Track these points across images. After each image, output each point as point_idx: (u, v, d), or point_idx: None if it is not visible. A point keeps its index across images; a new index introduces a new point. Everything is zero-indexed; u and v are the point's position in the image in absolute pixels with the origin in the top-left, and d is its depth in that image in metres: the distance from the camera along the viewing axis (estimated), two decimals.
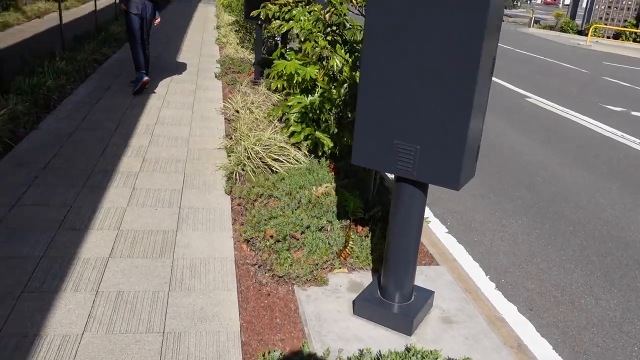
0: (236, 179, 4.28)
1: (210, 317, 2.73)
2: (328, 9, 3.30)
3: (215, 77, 8.16)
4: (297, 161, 4.43)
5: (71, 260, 3.09)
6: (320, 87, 4.72)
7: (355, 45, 3.27)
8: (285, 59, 7.31)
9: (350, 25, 3.25)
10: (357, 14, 3.41)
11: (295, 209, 3.56)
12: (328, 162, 4.35)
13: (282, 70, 4.52)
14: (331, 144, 4.55)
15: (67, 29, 8.49)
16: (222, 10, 16.69)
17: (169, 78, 7.81)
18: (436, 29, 2.15)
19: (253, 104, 6.13)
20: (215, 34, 12.71)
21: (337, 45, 3.50)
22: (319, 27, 3.58)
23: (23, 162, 4.40)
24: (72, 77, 6.86)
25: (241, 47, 10.13)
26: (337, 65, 4.33)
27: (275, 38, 9.69)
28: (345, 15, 3.27)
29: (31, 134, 5.04)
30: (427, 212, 4.63)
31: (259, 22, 7.07)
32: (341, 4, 3.25)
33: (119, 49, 9.72)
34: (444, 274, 3.23)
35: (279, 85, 6.56)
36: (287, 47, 6.79)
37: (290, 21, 6.26)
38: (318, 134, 4.57)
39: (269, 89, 6.72)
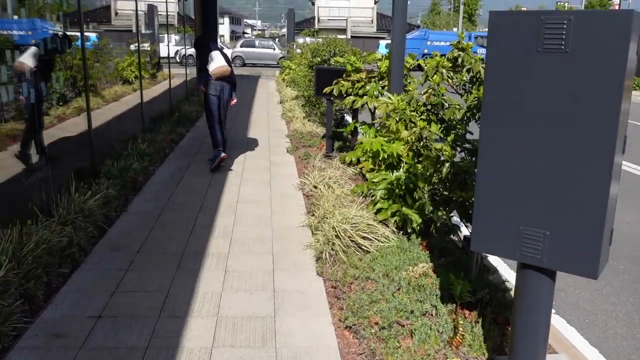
0: (326, 259, 4.22)
1: None
2: (426, 90, 3.31)
3: (287, 152, 8.30)
4: (386, 239, 4.34)
5: (176, 351, 3.06)
6: (406, 163, 4.69)
7: (452, 123, 3.24)
8: (356, 132, 7.41)
9: (449, 104, 3.24)
10: (452, 92, 3.41)
11: (396, 292, 3.45)
12: (419, 239, 4.24)
13: (368, 147, 4.53)
14: (419, 220, 4.45)
15: (138, 109, 8.92)
16: (283, 85, 17.30)
17: (242, 155, 8.00)
18: (566, 106, 2.07)
19: (330, 179, 6.15)
20: (280, 108, 13.10)
21: (432, 124, 3.48)
22: (413, 107, 3.59)
23: (118, 246, 4.51)
24: (154, 158, 7.14)
25: (308, 120, 10.34)
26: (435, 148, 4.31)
27: (342, 112, 9.89)
28: (443, 95, 3.27)
29: (122, 217, 5.19)
30: None
31: (332, 97, 7.23)
32: (438, 84, 3.25)
33: (192, 128, 10.14)
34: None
35: (353, 159, 6.63)
36: (361, 122, 6.88)
37: (364, 96, 6.38)
38: (406, 210, 4.49)
39: (343, 163, 6.77)
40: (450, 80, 3.30)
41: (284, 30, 70.63)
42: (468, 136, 3.27)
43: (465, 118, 3.16)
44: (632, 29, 1.90)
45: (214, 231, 4.93)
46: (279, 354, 3.07)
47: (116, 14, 9.71)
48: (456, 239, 4.52)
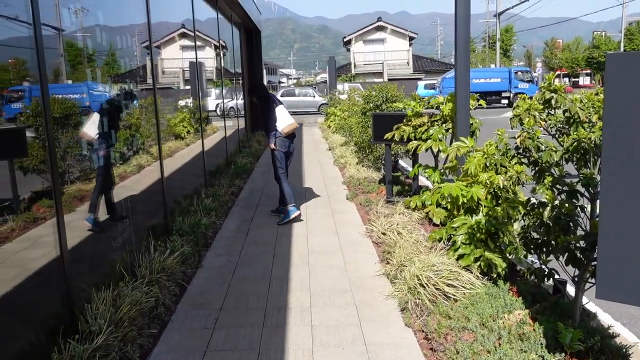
0: (413, 309, 4.12)
1: None
2: (520, 133, 3.27)
3: (347, 199, 8.30)
4: (472, 285, 4.22)
5: None
6: (485, 206, 4.61)
7: (546, 166, 3.17)
8: (416, 176, 7.36)
9: (545, 146, 3.18)
10: (544, 134, 3.36)
11: (496, 343, 3.32)
12: (507, 285, 4.10)
13: (447, 193, 4.48)
14: (504, 265, 4.33)
15: (198, 164, 9.11)
16: (328, 132, 17.50)
17: (303, 204, 8.04)
18: None
19: (398, 225, 6.08)
20: (330, 155, 13.20)
21: (524, 166, 3.42)
22: (502, 150, 3.55)
23: (200, 303, 4.53)
24: (219, 213, 7.25)
25: (361, 166, 10.36)
26: (503, 184, 4.23)
27: (397, 156, 9.89)
28: (538, 138, 3.22)
29: (198, 273, 5.24)
30: (624, 330, 4.19)
31: (392, 142, 7.24)
32: (532, 127, 3.21)
33: (248, 179, 10.30)
34: None
35: (418, 204, 6.56)
36: (424, 165, 6.84)
37: (428, 140, 6.36)
38: (489, 254, 4.38)
39: (407, 208, 6.70)
40: (543, 123, 3.25)
41: (319, 77, 72.11)
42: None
43: (562, 160, 3.09)
44: None
45: (291, 284, 4.90)
46: None
47: (163, 72, 10.12)
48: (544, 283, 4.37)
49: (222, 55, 14.33)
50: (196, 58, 9.60)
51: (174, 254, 5.02)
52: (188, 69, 10.47)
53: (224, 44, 14.23)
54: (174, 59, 10.14)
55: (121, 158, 8.33)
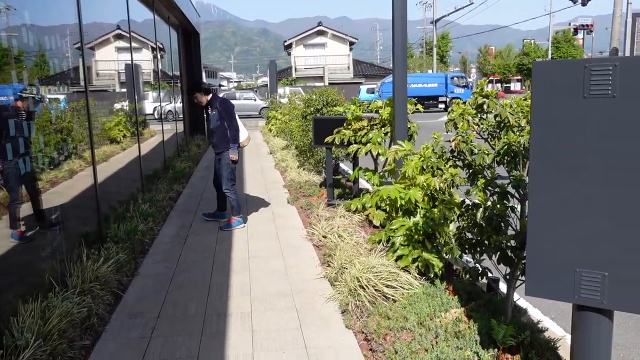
0: (353, 311, 4.15)
1: None
2: (455, 137, 3.36)
3: (288, 202, 8.29)
4: (411, 286, 4.30)
5: None
6: (422, 208, 4.71)
7: (479, 168, 3.27)
8: (357, 179, 7.44)
9: (478, 150, 3.28)
10: (477, 138, 3.46)
11: (434, 341, 3.39)
12: (444, 284, 4.20)
13: (386, 195, 4.54)
14: (441, 265, 4.44)
15: (134, 169, 8.85)
16: (269, 136, 17.44)
17: (244, 208, 7.96)
18: (617, 147, 2.10)
19: (339, 228, 6.12)
20: (271, 159, 13.15)
21: (458, 169, 3.52)
22: (438, 154, 3.63)
23: (136, 312, 4.39)
24: (157, 218, 7.07)
25: (302, 169, 10.38)
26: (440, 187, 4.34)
27: (337, 160, 9.96)
28: (472, 141, 3.32)
29: (134, 281, 5.08)
30: (553, 325, 4.38)
31: (332, 146, 7.29)
32: (466, 131, 3.31)
33: (187, 184, 10.10)
34: None
35: (359, 206, 6.63)
36: (364, 169, 6.92)
37: (368, 144, 6.44)
38: (426, 255, 4.48)
39: (348, 211, 6.76)
40: (476, 127, 3.36)
41: (260, 80, 71.73)
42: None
43: (495, 163, 3.20)
44: None
45: (232, 290, 4.83)
46: None
47: (97, 74, 9.79)
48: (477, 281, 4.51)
49: (159, 57, 14.01)
50: (132, 60, 9.35)
51: (108, 261, 4.85)
52: (124, 71, 10.16)
53: (161, 46, 13.91)
54: (109, 60, 9.81)
55: (51, 163, 7.97)
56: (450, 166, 3.47)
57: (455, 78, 39.36)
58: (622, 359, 3.88)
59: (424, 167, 3.92)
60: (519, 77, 71.75)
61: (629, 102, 2.03)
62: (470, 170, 3.36)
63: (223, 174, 6.83)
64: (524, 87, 69.03)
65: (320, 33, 49.10)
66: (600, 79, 2.06)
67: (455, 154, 3.48)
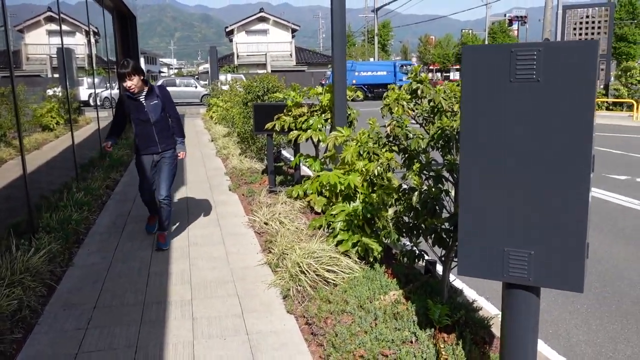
0: (294, 296, 4.18)
1: None
2: (389, 122, 3.41)
3: (230, 190, 8.21)
4: (351, 270, 4.37)
5: None
6: (361, 194, 4.78)
7: (414, 153, 3.35)
8: (298, 166, 7.46)
9: (413, 134, 3.35)
10: (412, 123, 3.53)
11: (373, 323, 3.46)
12: (383, 267, 4.30)
13: (325, 181, 4.58)
14: (380, 249, 4.53)
15: (68, 157, 8.52)
16: (211, 123, 17.17)
17: (184, 196, 7.83)
18: (541, 131, 2.20)
19: (280, 214, 6.13)
20: (213, 146, 12.97)
21: (394, 154, 3.59)
22: (374, 139, 3.68)
23: (71, 303, 4.25)
24: (92, 207, 6.85)
25: (244, 157, 10.30)
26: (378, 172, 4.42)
27: (279, 147, 9.94)
28: (407, 126, 3.38)
29: (69, 272, 4.91)
30: (487, 304, 4.56)
31: (272, 133, 7.27)
32: (401, 116, 3.37)
33: (125, 172, 9.82)
34: None
35: (300, 193, 6.66)
36: (305, 155, 6.94)
37: (309, 130, 6.46)
38: (366, 239, 4.56)
39: (289, 197, 6.78)
40: (410, 112, 3.43)
41: (202, 67, 70.28)
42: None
43: (429, 147, 3.28)
44: (596, 57, 2.07)
45: (171, 278, 4.76)
46: None
47: (27, 58, 9.33)
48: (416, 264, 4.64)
49: (94, 42, 13.47)
50: (62, 44, 8.96)
51: (39, 252, 4.67)
52: (56, 56, 9.72)
53: (95, 30, 13.38)
54: (41, 44, 9.36)
55: None
56: (386, 151, 3.53)
57: (404, 66, 39.98)
58: (551, 334, 4.09)
59: (361, 152, 3.97)
60: (458, 67, 73.58)
61: (551, 86, 2.13)
62: (406, 155, 3.43)
63: (166, 177, 5.56)
64: None
65: (262, 20, 48.60)
66: (525, 64, 2.15)
67: (391, 138, 3.54)
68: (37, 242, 4.96)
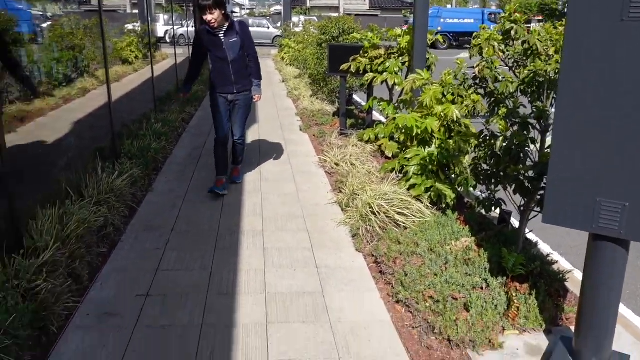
0: (363, 235, 4.21)
1: None
2: (478, 63, 3.28)
3: (300, 130, 8.25)
4: (422, 214, 4.33)
5: (232, 328, 3.05)
6: (438, 139, 4.68)
7: (502, 96, 3.21)
8: (370, 109, 7.37)
9: (503, 77, 3.21)
10: (502, 66, 3.38)
11: (444, 267, 3.45)
12: (455, 214, 4.24)
13: (402, 123, 4.51)
14: (453, 196, 4.45)
15: (147, 90, 8.77)
16: (282, 64, 17.15)
17: (255, 134, 7.95)
18: None
19: (351, 156, 6.12)
20: (284, 87, 12.99)
21: (480, 97, 3.46)
22: (460, 80, 3.56)
23: (151, 225, 4.47)
24: (170, 138, 7.07)
25: (315, 98, 10.26)
26: (457, 116, 4.29)
27: (351, 90, 9.82)
28: (496, 68, 3.24)
29: (148, 197, 5.15)
30: (562, 259, 4.44)
31: (347, 75, 7.17)
32: (491, 58, 3.22)
33: (199, 107, 10.04)
34: (621, 333, 3.03)
35: (371, 136, 6.60)
36: (379, 98, 6.83)
37: (384, 73, 6.33)
38: (439, 185, 4.49)
39: (360, 140, 6.74)
40: (501, 53, 3.27)
41: (273, 9, 69.67)
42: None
43: (518, 92, 3.14)
44: None
45: (244, 210, 4.90)
46: (335, 328, 3.08)
47: None
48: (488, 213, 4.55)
49: None
50: None
51: (122, 176, 4.90)
52: None
53: None
54: None
55: (65, 80, 7.92)
56: (472, 93, 3.40)
57: (492, 14, 37.91)
58: (629, 294, 3.95)
59: (444, 93, 3.85)
60: (540, 18, 69.48)
61: None
62: (492, 99, 3.30)
63: (240, 119, 5.45)
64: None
65: None
66: None
67: (478, 81, 3.41)
68: (120, 167, 5.20)
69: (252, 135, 7.80)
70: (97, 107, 6.55)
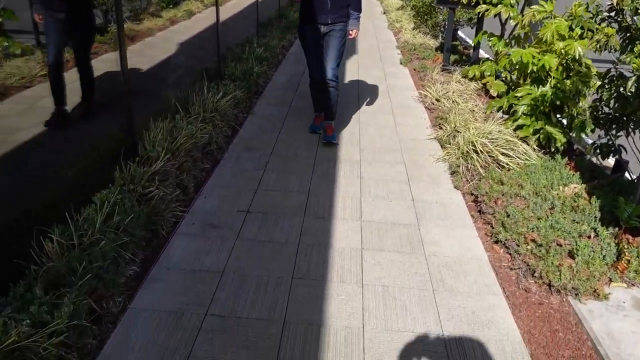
0: (463, 173, 4.10)
1: (486, 323, 2.58)
2: None
3: (400, 63, 8.02)
4: (528, 157, 4.13)
5: (327, 249, 3.12)
6: (554, 78, 4.37)
7: (638, 32, 2.90)
8: (478, 45, 6.98)
9: None
10: None
11: (549, 212, 3.30)
12: (565, 160, 3.99)
13: (516, 59, 4.24)
14: (564, 140, 4.20)
15: (249, 15, 8.79)
16: None
17: (354, 64, 7.82)
18: None
19: (454, 93, 5.89)
20: (385, 19, 12.60)
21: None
22: (592, 12, 3.25)
23: (251, 146, 4.59)
24: (270, 63, 7.12)
25: (417, 32, 9.88)
26: (579, 54, 3.97)
27: (458, 26, 9.35)
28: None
29: (249, 119, 5.26)
30: None
31: (456, 6, 6.80)
32: None
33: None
34: None
35: (477, 73, 6.29)
36: (489, 33, 6.44)
37: (499, 5, 5.92)
38: (549, 128, 4.23)
39: (464, 77, 6.45)
40: None
41: None
42: None
43: None
44: None
45: (341, 139, 4.89)
46: (430, 261, 3.06)
47: None
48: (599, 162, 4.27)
49: None
50: None
51: (226, 96, 5.00)
52: None
53: None
54: None
55: (171, 1, 8.11)
56: (605, 27, 3.10)
57: None
58: None
59: (572, 27, 3.54)
60: None
61: None
62: (628, 34, 2.99)
63: (334, 54, 4.66)
64: None
65: None
66: None
67: (613, 14, 3.09)
68: (224, 88, 5.30)
69: (350, 67, 7.69)
70: (202, 30, 6.68)
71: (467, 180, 4.02)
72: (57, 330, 2.00)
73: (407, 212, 3.61)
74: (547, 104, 4.29)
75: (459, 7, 6.77)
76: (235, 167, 4.17)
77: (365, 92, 6.41)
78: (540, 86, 4.39)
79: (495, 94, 5.78)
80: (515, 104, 4.44)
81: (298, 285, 2.78)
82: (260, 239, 3.19)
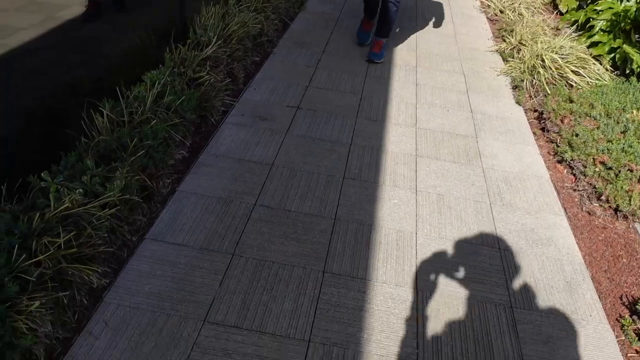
0: (527, 89, 3.83)
1: (545, 241, 2.46)
2: None
3: None
4: (600, 77, 3.83)
5: (379, 152, 2.98)
6: None
7: None
8: None
9: None
10: None
11: (621, 135, 3.07)
12: None
13: None
14: None
15: None
16: None
17: None
18: None
19: (521, 5, 5.46)
20: None
21: None
22: None
23: (302, 42, 4.35)
24: None
25: None
26: None
27: None
28: None
29: (301, 15, 4.98)
30: None
31: None
32: None
33: None
34: None
35: None
36: None
37: None
38: (627, 48, 3.89)
39: None
40: None
41: None
42: None
43: None
44: None
45: (397, 43, 4.61)
46: (487, 174, 2.90)
47: None
48: None
49: None
50: None
51: None
52: None
53: None
54: None
55: None
56: None
57: None
58: None
59: None
60: None
61: None
62: None
63: None
64: None
65: None
66: None
67: None
68: None
69: None
70: None
71: (531, 96, 3.77)
72: (109, 202, 1.94)
73: (465, 123, 3.42)
74: (629, 21, 3.92)
75: None
76: (286, 62, 3.97)
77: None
78: (624, 1, 4.00)
79: (564, 10, 5.34)
80: (593, 19, 4.07)
81: (349, 185, 2.67)
82: (310, 135, 3.06)
